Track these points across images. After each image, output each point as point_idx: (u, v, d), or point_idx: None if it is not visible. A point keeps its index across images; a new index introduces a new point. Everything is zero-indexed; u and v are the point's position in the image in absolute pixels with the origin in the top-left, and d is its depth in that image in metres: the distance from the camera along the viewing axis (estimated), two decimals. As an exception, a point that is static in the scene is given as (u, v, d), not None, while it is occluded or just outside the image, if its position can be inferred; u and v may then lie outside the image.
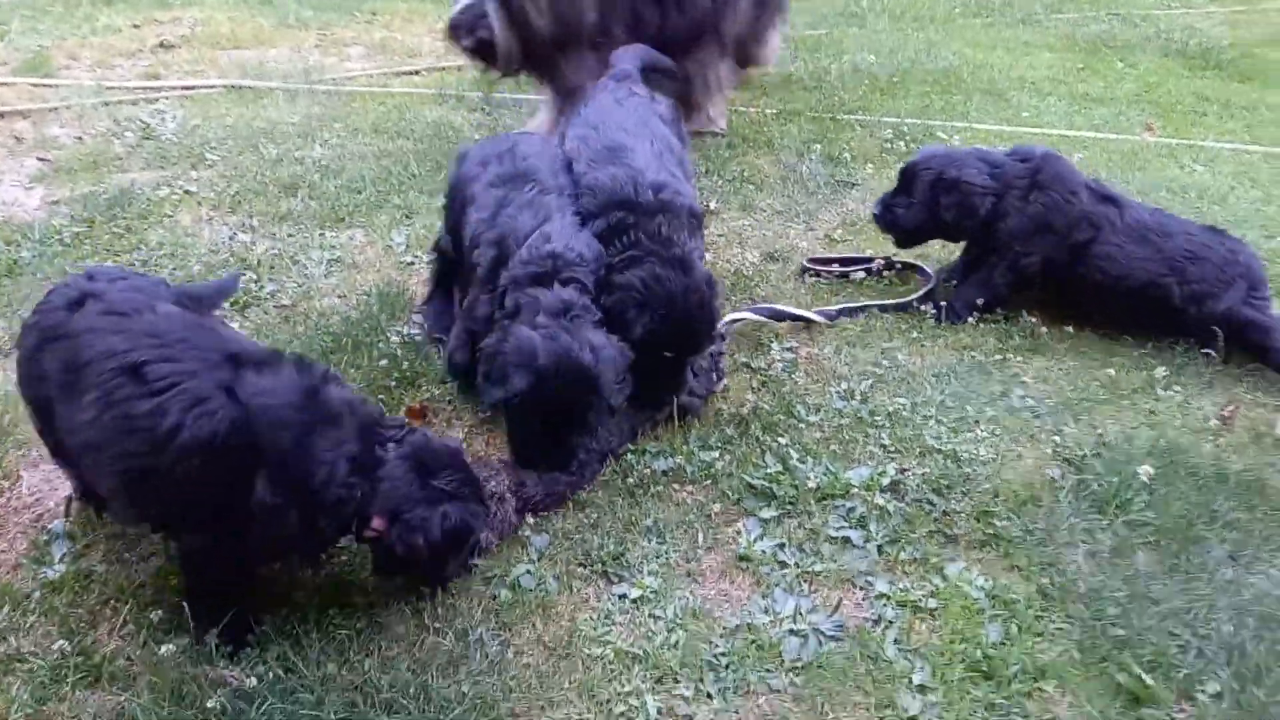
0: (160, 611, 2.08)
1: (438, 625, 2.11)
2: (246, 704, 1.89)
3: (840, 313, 3.23)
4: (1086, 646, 2.14)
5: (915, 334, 3.18)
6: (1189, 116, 5.26)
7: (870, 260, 3.53)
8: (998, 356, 3.09)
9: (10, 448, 2.52)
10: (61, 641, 2.02)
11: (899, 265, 3.53)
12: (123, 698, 1.92)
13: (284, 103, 4.68)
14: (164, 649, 1.99)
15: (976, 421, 2.79)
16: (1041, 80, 5.63)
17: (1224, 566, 2.34)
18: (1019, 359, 3.09)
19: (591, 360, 2.38)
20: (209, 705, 1.88)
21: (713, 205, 3.88)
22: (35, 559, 2.22)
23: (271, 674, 1.96)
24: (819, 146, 4.43)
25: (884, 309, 3.29)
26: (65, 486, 2.38)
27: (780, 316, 3.16)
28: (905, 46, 5.99)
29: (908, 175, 3.33)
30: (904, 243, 3.43)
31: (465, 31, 3.69)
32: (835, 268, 3.50)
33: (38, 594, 2.14)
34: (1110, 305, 3.22)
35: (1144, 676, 2.05)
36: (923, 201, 3.26)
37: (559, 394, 2.36)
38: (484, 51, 3.74)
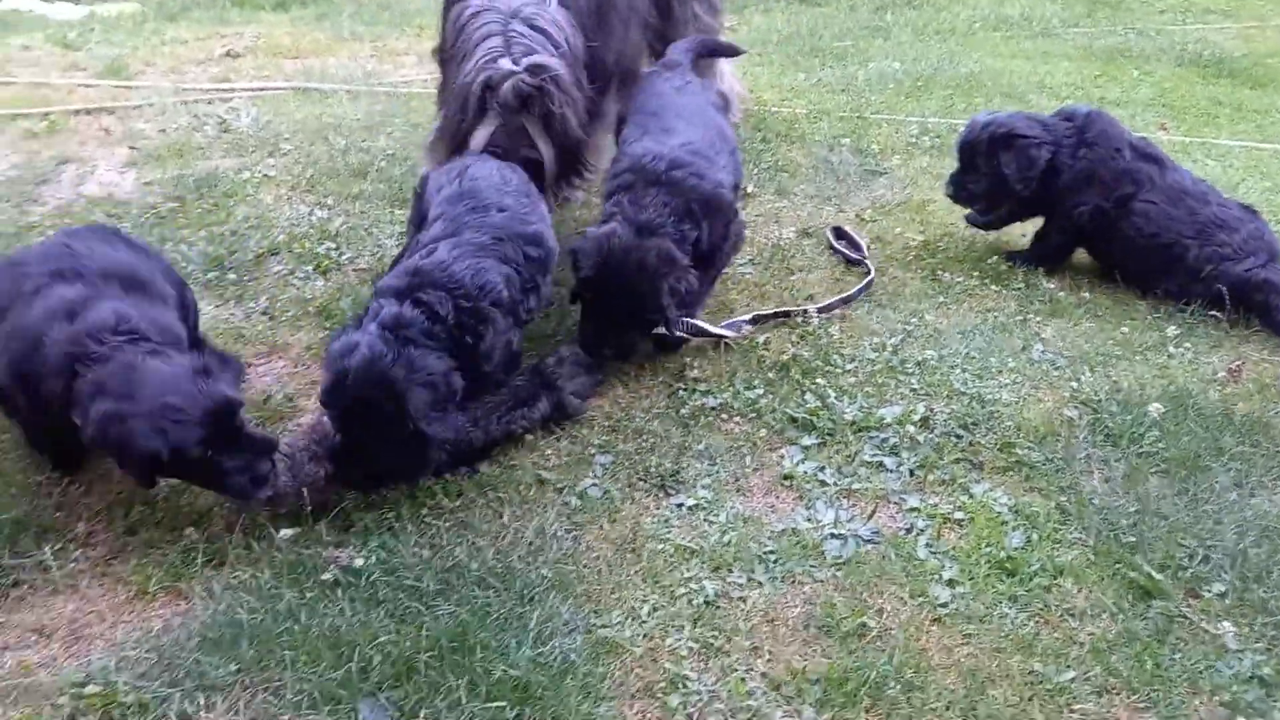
0: (270, 510, 2.36)
1: (517, 524, 2.37)
2: (355, 578, 2.15)
3: (755, 320, 3.19)
4: (1101, 551, 2.37)
5: (942, 298, 3.43)
6: (1202, 118, 5.50)
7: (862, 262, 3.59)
8: (1019, 318, 3.33)
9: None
10: (190, 529, 2.29)
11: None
12: (247, 574, 2.19)
13: (347, 102, 5.02)
14: (280, 534, 2.26)
15: (999, 371, 3.03)
16: (1060, 85, 5.88)
17: (1229, 491, 2.55)
18: (1038, 319, 3.32)
19: (399, 375, 2.31)
20: (324, 578, 2.15)
21: (750, 189, 4.15)
22: (158, 468, 2.50)
23: (374, 557, 2.22)
24: (848, 140, 4.71)
25: (803, 313, 3.24)
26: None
27: (699, 333, 3.06)
28: (928, 56, 6.27)
29: (966, 148, 3.61)
30: (989, 222, 3.71)
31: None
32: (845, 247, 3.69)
33: (162, 495, 2.42)
34: (1134, 261, 3.47)
35: (1154, 574, 2.28)
36: (986, 169, 3.53)
37: (354, 395, 2.33)
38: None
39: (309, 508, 2.33)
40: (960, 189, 3.66)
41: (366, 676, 1.94)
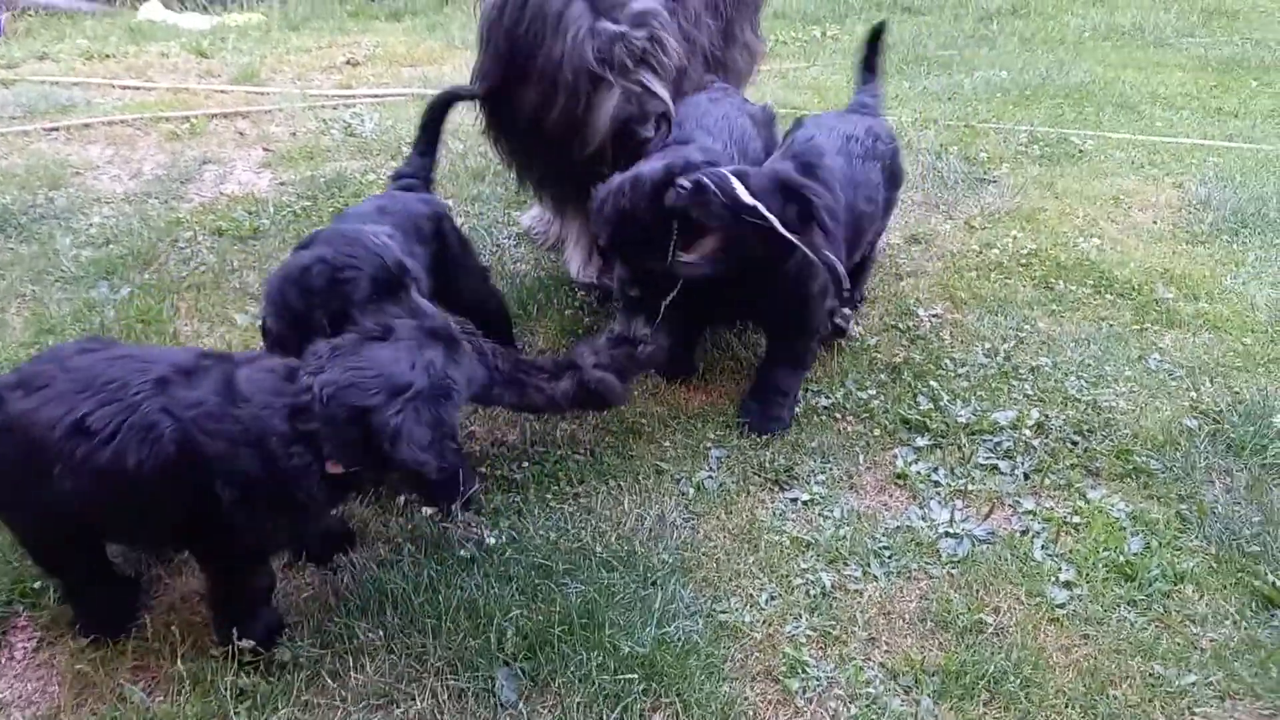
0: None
1: (638, 511, 2.46)
2: (490, 555, 2.28)
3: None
4: (1223, 559, 2.35)
5: (1055, 306, 3.41)
6: (1327, 129, 5.32)
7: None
8: (1134, 327, 3.30)
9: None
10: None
11: None
12: (386, 550, 2.33)
13: (462, 108, 5.21)
14: (419, 514, 2.41)
15: (1115, 379, 3.01)
16: (1174, 96, 5.75)
17: (1358, 507, 2.50)
18: (1155, 329, 3.29)
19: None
20: (461, 554, 2.28)
21: (857, 195, 4.19)
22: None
23: (505, 536, 2.35)
24: (955, 148, 4.70)
25: None
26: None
27: None
28: (1035, 65, 6.19)
29: None
30: None
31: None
32: None
33: (308, 472, 2.58)
34: None
35: (1279, 584, 2.25)
36: None
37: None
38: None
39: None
40: None
41: (502, 647, 2.06)
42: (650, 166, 2.60)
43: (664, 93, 2.83)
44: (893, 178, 3.12)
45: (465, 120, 5.06)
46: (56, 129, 4.77)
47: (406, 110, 5.21)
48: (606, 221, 2.58)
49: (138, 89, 5.48)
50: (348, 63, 6.26)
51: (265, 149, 4.62)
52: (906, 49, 6.59)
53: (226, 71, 5.93)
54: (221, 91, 5.46)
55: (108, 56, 6.15)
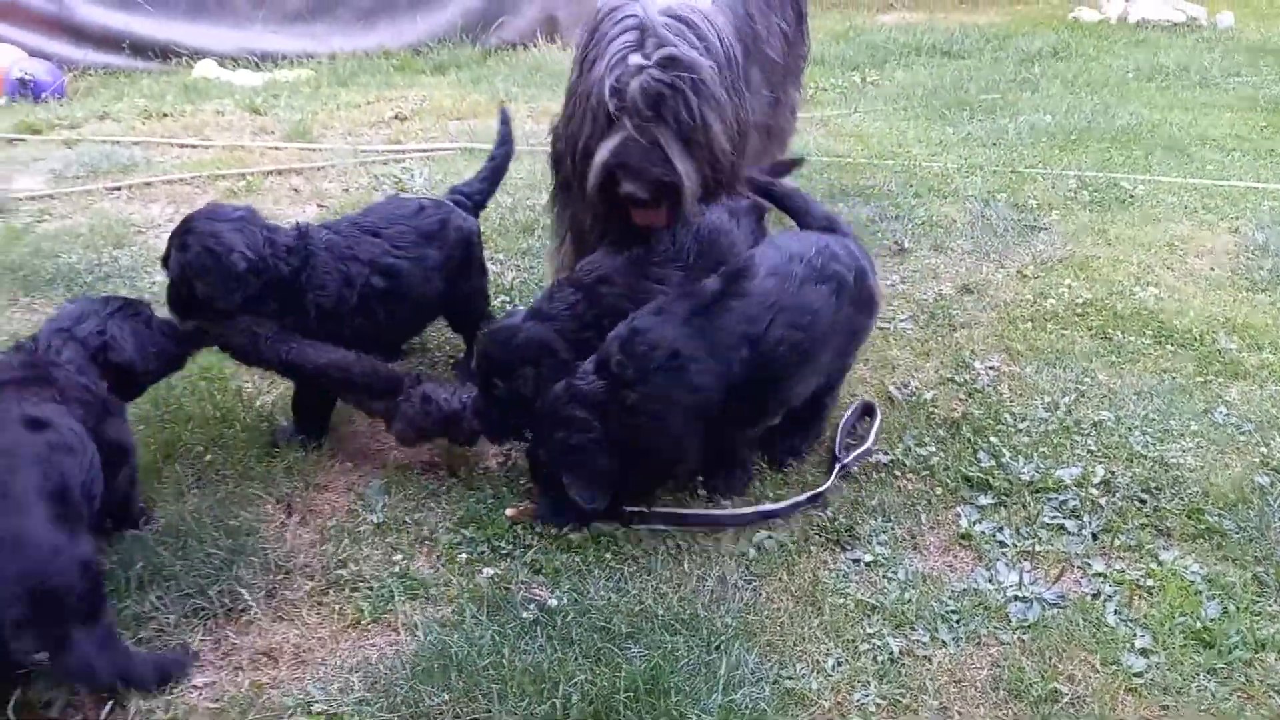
0: (466, 551, 2.51)
1: (698, 572, 2.44)
2: (551, 617, 2.27)
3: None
4: (1306, 626, 2.27)
5: (1114, 357, 3.36)
6: (1384, 170, 5.22)
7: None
8: (1198, 379, 3.23)
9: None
10: (397, 561, 2.47)
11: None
12: (448, 610, 2.33)
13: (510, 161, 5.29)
14: (481, 574, 2.41)
15: (1181, 434, 2.95)
16: (1223, 138, 5.69)
17: None
18: (1220, 381, 3.22)
19: None
20: (524, 616, 2.27)
21: (906, 244, 4.18)
22: (363, 506, 2.70)
23: (567, 598, 2.34)
24: (1003, 195, 4.68)
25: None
26: (366, 460, 2.88)
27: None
28: (1080, 108, 6.17)
29: None
30: None
31: None
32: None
33: (368, 532, 2.60)
34: None
35: (1367, 653, 2.17)
36: None
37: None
38: None
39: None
40: None
41: (567, 713, 2.04)
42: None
43: (682, 163, 2.61)
44: (859, 303, 2.72)
45: (514, 173, 5.16)
46: (119, 188, 4.91)
47: (455, 164, 5.31)
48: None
49: (195, 147, 5.64)
50: (395, 117, 6.39)
51: (319, 205, 4.71)
52: (948, 94, 6.60)
53: (279, 128, 6.08)
54: (275, 149, 5.60)
55: (165, 115, 6.34)
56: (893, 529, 2.60)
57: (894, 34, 8.36)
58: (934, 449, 2.88)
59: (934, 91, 6.65)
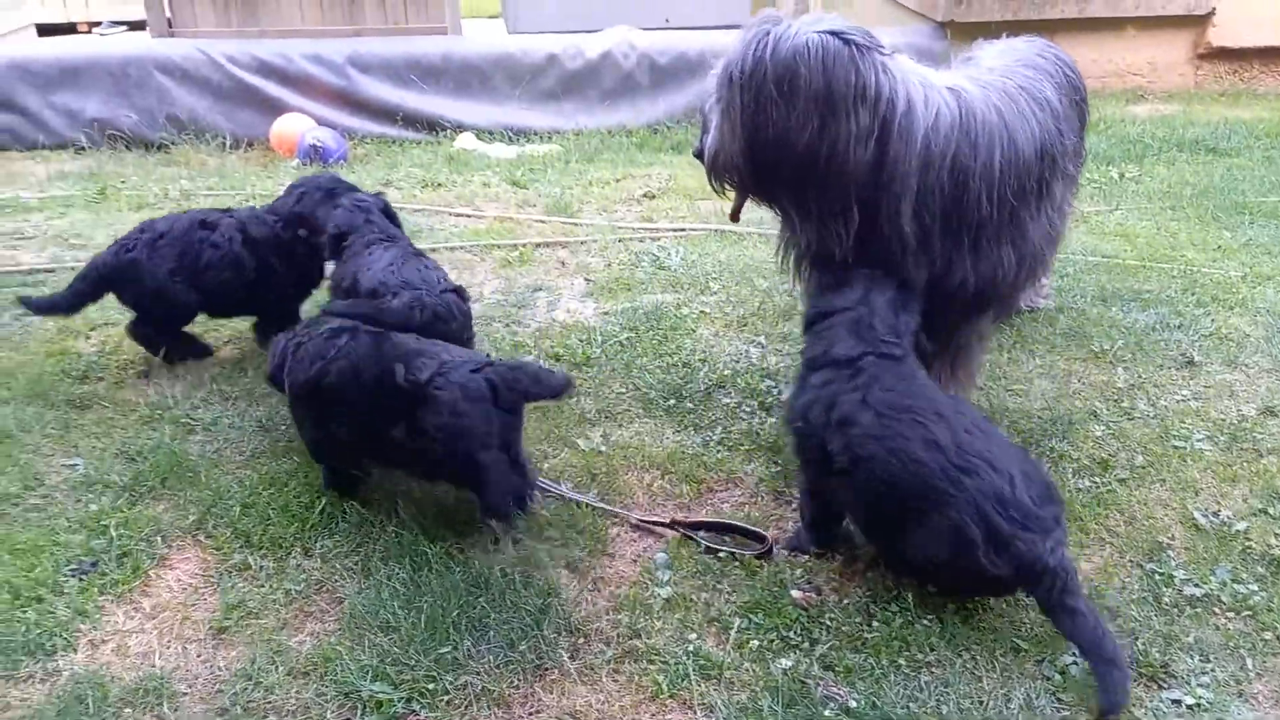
0: (756, 638, 2.54)
1: (1001, 691, 2.36)
2: (852, 718, 2.25)
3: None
4: None
5: None
6: None
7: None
8: None
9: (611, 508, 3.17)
10: (690, 640, 2.53)
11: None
12: (743, 696, 2.36)
13: (762, 245, 5.43)
14: (779, 664, 2.43)
15: None
16: None
17: None
18: None
19: None
20: (825, 713, 2.27)
21: (1195, 357, 3.95)
22: (650, 580, 2.79)
23: (864, 700, 2.31)
24: (1303, 309, 4.34)
25: None
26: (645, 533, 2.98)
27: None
28: (1381, 217, 5.66)
29: None
30: None
31: None
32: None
33: (658, 606, 2.68)
34: None
35: None
36: None
37: None
38: None
39: None
40: None
41: (876, 823, 2.01)
42: None
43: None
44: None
45: (765, 256, 5.29)
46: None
47: (708, 245, 5.49)
48: None
49: (469, 216, 6.12)
50: (645, 195, 6.69)
51: (586, 279, 4.99)
52: (1220, 195, 6.21)
53: (541, 202, 6.50)
54: (540, 221, 6.00)
55: (439, 185, 6.92)
56: (1214, 671, 2.42)
57: (1148, 127, 7.98)
58: (1255, 587, 2.67)
59: (1203, 191, 6.28)
